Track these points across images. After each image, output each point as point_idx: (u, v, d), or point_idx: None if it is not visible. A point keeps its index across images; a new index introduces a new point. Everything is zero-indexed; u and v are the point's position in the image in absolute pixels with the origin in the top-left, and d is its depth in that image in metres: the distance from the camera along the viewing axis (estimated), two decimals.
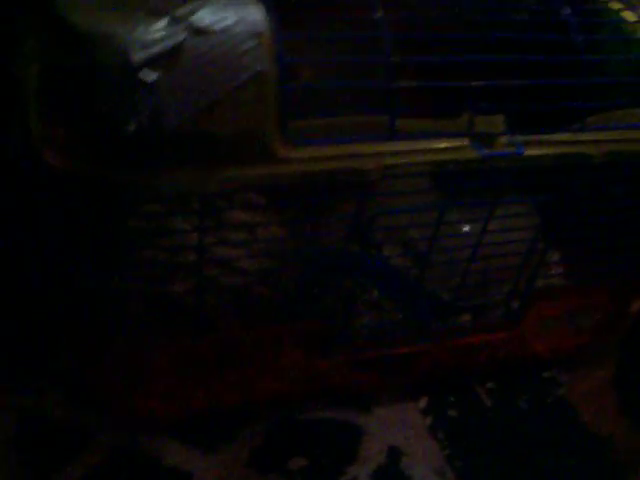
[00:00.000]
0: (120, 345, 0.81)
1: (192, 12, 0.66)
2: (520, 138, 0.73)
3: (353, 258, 0.86)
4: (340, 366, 0.88)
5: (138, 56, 0.63)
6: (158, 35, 0.64)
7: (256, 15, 0.67)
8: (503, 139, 0.73)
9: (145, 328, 0.80)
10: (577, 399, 0.98)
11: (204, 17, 0.66)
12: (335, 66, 0.77)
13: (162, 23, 0.65)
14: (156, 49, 0.64)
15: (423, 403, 0.95)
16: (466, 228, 0.90)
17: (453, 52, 0.74)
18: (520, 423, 0.94)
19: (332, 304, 0.86)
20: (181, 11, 0.66)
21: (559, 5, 0.80)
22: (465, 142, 0.72)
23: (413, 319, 0.88)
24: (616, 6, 0.86)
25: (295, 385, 0.89)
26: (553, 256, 0.96)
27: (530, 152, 0.73)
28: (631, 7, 0.86)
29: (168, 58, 0.64)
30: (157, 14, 0.66)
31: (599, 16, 0.85)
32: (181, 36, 0.65)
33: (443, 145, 0.71)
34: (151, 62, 0.64)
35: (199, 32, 0.66)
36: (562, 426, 0.95)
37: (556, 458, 0.91)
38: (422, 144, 0.71)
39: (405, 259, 0.89)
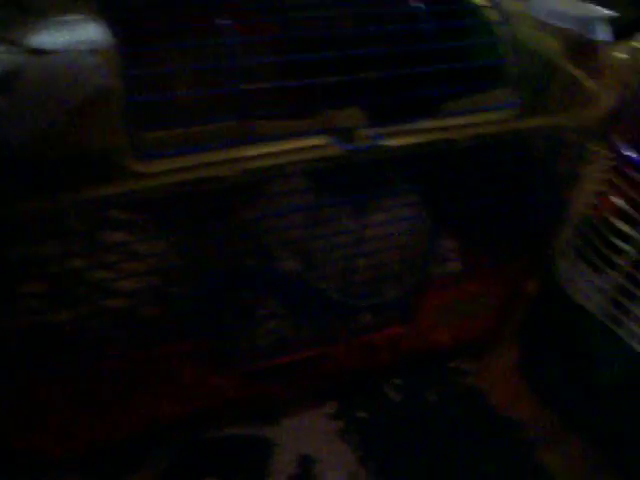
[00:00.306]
0: (8, 383, 0.79)
1: (30, 34, 0.65)
2: (380, 130, 0.73)
3: (245, 269, 0.85)
4: (240, 379, 0.86)
5: None
6: None
7: (95, 33, 0.65)
8: (363, 132, 0.73)
9: (32, 363, 0.78)
10: (485, 385, 0.98)
11: (43, 39, 0.65)
12: (205, 75, 0.77)
13: None
14: None
15: (332, 408, 0.94)
16: (353, 224, 0.90)
17: (320, 50, 0.74)
18: (430, 415, 0.94)
19: (227, 318, 0.85)
20: (18, 34, 0.65)
21: None
22: (326, 139, 0.72)
23: (307, 323, 0.87)
24: None
25: (196, 404, 0.87)
26: (448, 245, 0.96)
27: (392, 142, 0.73)
28: None
29: (6, 82, 0.63)
30: None
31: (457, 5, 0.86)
32: (19, 59, 0.63)
33: (303, 144, 0.71)
34: None
35: (38, 54, 0.64)
36: (473, 414, 0.95)
37: (470, 446, 0.91)
38: (282, 145, 0.70)
39: (295, 262, 0.88)
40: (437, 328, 0.94)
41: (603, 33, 0.82)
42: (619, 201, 0.84)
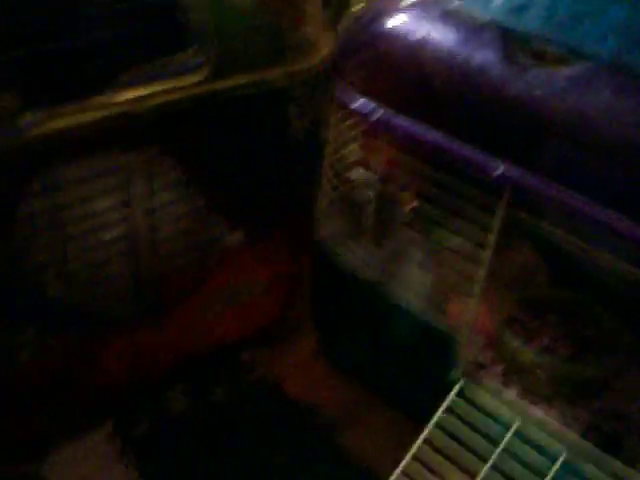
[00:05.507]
0: None
1: None
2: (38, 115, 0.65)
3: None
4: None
5: None
6: None
7: None
8: (28, 116, 0.65)
9: None
10: (280, 375, 0.90)
11: None
12: None
13: None
14: None
15: (109, 427, 0.84)
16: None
17: None
18: (218, 416, 0.86)
19: None
20: None
21: None
22: None
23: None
24: None
25: None
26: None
27: (55, 125, 0.65)
28: None
29: None
30: None
31: None
32: None
33: None
34: None
35: None
36: (264, 407, 0.87)
37: (263, 439, 0.83)
38: None
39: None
40: (220, 317, 0.85)
41: None
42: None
